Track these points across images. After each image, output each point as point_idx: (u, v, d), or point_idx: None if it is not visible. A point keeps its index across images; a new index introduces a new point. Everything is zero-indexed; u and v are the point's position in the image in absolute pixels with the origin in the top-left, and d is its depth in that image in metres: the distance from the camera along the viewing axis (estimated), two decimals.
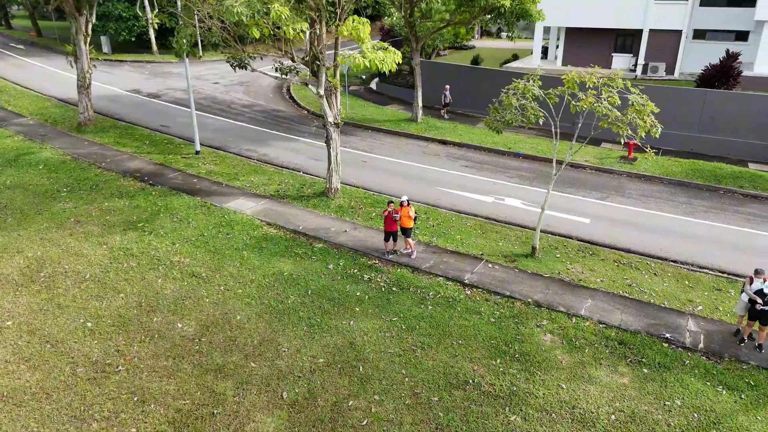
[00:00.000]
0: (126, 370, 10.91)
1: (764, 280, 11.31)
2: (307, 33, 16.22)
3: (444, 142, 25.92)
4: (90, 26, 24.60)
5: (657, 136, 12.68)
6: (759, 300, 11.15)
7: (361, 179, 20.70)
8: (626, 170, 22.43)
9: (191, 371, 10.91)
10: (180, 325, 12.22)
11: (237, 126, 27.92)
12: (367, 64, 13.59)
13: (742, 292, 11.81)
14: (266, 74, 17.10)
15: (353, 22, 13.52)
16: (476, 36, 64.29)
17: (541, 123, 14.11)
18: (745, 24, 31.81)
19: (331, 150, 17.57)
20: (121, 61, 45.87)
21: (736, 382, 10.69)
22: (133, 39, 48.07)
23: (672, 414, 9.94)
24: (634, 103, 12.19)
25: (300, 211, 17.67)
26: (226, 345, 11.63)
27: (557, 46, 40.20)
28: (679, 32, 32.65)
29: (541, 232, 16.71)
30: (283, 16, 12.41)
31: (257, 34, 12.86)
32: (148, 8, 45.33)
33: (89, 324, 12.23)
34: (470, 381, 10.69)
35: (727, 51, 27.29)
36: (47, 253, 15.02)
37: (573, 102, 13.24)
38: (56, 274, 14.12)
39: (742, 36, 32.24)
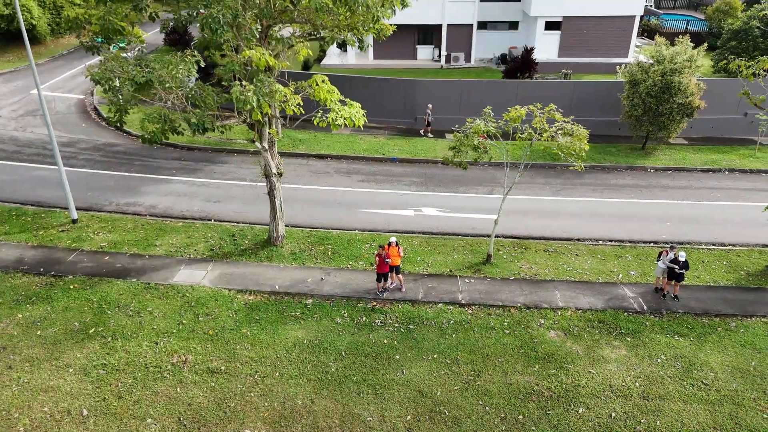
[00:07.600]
0: None
1: (675, 254, 15.71)
2: None
3: (321, 157, 26.51)
4: None
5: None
6: (676, 267, 15.49)
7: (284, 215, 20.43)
8: (486, 161, 26.31)
9: None
10: (248, 431, 11.66)
11: (83, 174, 23.96)
12: (345, 124, 13.96)
13: (658, 260, 16.13)
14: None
15: (325, 83, 13.66)
16: None
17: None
18: (515, 15, 38.62)
19: (276, 199, 17.26)
20: None
21: (681, 329, 14.93)
22: None
23: (665, 368, 13.61)
24: (576, 133, 15.36)
25: (258, 268, 17.08)
26: None
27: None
28: (470, 26, 38.03)
29: (473, 236, 19.39)
30: (289, 96, 12.01)
31: (259, 116, 12.13)
32: None
33: None
34: (532, 391, 12.85)
35: (525, 47, 33.19)
36: (0, 401, 12.18)
37: (519, 135, 15.96)
38: (40, 423, 11.74)
39: (513, 26, 39.10)
